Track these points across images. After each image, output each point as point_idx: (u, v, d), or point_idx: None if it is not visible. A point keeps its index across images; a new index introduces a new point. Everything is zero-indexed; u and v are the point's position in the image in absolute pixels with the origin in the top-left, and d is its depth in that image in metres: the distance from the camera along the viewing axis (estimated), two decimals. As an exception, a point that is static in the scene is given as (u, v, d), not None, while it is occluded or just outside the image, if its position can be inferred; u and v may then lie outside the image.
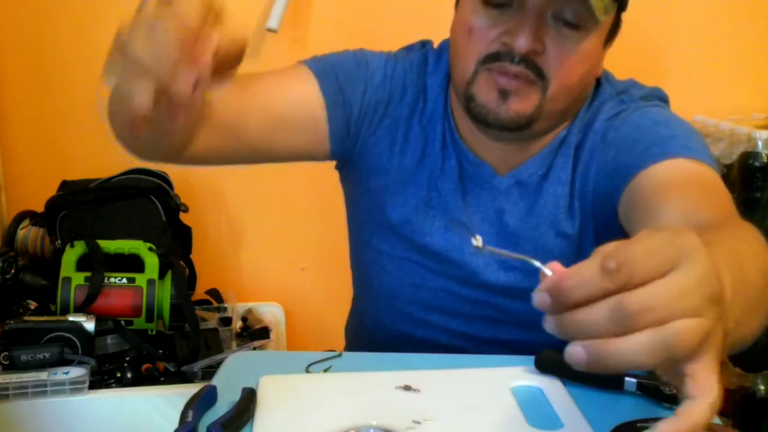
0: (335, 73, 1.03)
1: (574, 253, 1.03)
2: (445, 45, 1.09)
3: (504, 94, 0.94)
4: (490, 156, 1.03)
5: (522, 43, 0.90)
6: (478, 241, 0.60)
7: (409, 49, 1.11)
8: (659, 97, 1.05)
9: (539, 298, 0.50)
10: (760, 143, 1.64)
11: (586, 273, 0.48)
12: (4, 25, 1.73)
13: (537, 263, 0.53)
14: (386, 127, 1.05)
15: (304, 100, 1.02)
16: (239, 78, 0.82)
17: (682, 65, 1.89)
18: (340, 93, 1.03)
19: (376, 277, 1.10)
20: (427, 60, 1.08)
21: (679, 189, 0.87)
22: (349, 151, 1.07)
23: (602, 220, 1.00)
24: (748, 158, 1.66)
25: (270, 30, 1.71)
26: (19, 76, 1.77)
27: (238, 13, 2.02)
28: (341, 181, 1.17)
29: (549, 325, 0.50)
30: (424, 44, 1.12)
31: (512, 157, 1.03)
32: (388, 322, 1.11)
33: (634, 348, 0.46)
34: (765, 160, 1.64)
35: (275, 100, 1.00)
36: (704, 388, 0.49)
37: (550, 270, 0.51)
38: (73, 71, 1.77)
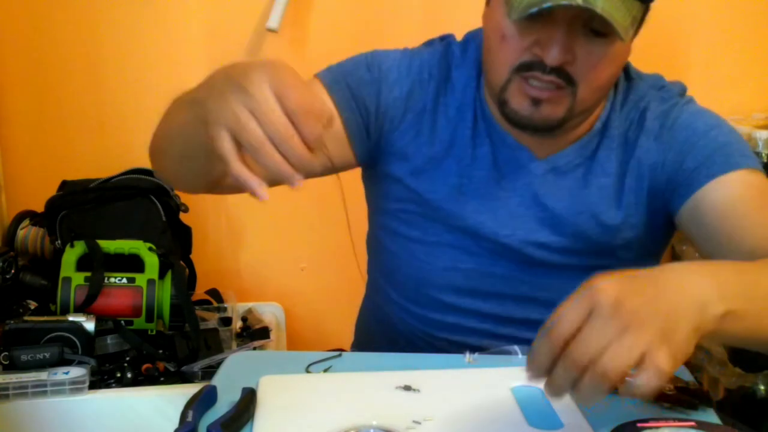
0: (346, 80, 1.05)
1: (611, 242, 1.06)
2: (471, 36, 1.10)
3: (536, 102, 0.97)
4: (527, 141, 1.05)
5: (553, 56, 0.93)
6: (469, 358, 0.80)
7: (429, 44, 1.13)
8: (686, 91, 1.10)
9: (529, 376, 0.68)
10: (760, 143, 1.65)
11: (540, 351, 0.67)
12: (4, 25, 1.73)
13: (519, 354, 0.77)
14: (409, 121, 1.07)
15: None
16: None
17: (682, 65, 1.89)
18: (353, 98, 1.05)
19: (404, 264, 1.11)
20: (449, 52, 1.10)
21: (758, 211, 0.96)
22: (374, 151, 1.08)
23: (652, 215, 1.05)
24: (748, 158, 1.66)
25: (270, 30, 1.71)
26: (19, 76, 1.77)
27: (238, 13, 2.04)
28: (364, 179, 1.18)
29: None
30: (444, 38, 1.13)
31: (548, 143, 1.05)
32: (416, 311, 1.11)
33: (584, 391, 0.64)
34: (765, 160, 1.64)
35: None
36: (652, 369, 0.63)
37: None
38: (73, 72, 1.78)
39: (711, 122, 1.04)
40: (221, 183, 0.93)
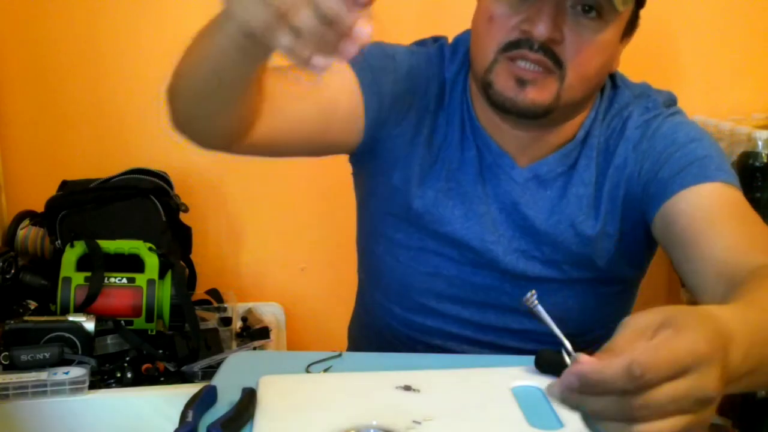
0: (368, 61, 1.03)
1: (590, 253, 1.05)
2: (460, 38, 1.10)
3: (521, 83, 0.95)
4: (510, 146, 1.04)
5: (541, 30, 0.92)
6: (530, 298, 0.64)
7: (421, 43, 1.12)
8: (674, 101, 1.08)
9: (566, 380, 0.53)
10: (760, 143, 1.65)
11: (612, 373, 0.52)
12: (4, 25, 1.73)
13: (569, 347, 0.60)
14: (411, 120, 1.06)
15: (345, 89, 1.01)
16: (282, 69, 0.85)
17: (682, 65, 1.89)
18: (374, 81, 1.02)
19: (389, 267, 1.11)
20: (442, 53, 1.09)
21: (724, 222, 0.93)
22: (375, 141, 1.06)
23: (628, 224, 1.04)
24: (748, 158, 1.66)
25: (270, 30, 1.71)
26: (19, 76, 1.77)
27: (238, 13, 1.96)
28: (355, 173, 1.17)
29: (555, 392, 0.55)
30: (437, 39, 1.12)
31: (531, 147, 1.04)
32: (399, 313, 1.11)
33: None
34: (765, 160, 1.64)
35: (322, 91, 1.00)
36: None
37: (578, 359, 0.54)
38: (72, 71, 1.77)
39: (692, 135, 1.02)
40: (244, 133, 0.90)
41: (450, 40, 1.12)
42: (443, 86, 1.07)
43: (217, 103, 0.84)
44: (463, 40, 1.09)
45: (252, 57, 0.74)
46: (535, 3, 0.93)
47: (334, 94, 1.01)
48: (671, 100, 1.08)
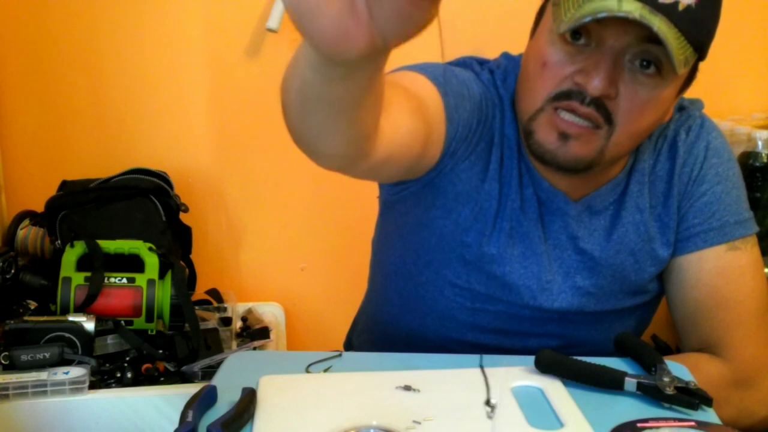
0: (450, 84, 0.95)
1: (645, 279, 1.05)
2: (508, 66, 1.04)
3: (564, 137, 0.91)
4: (561, 184, 1.01)
5: (596, 85, 0.88)
6: None
7: (466, 65, 1.05)
8: (701, 107, 1.09)
9: None
10: (760, 143, 1.65)
11: None
12: (4, 25, 1.73)
13: None
14: (479, 153, 0.99)
15: (437, 110, 0.93)
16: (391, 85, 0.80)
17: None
18: (454, 107, 0.95)
19: (432, 297, 1.06)
20: (495, 81, 1.03)
21: (711, 312, 1.01)
22: (438, 172, 0.99)
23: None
24: (748, 158, 1.66)
25: (270, 30, 1.71)
26: (19, 76, 1.77)
27: (238, 13, 2.05)
28: (394, 201, 1.07)
29: None
30: (483, 63, 1.06)
31: (581, 185, 1.01)
32: (432, 338, 1.08)
33: None
34: (765, 160, 1.65)
35: (428, 108, 0.92)
36: None
37: None
38: (72, 71, 1.77)
39: (720, 170, 1.04)
40: (362, 157, 0.77)
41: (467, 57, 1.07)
42: (503, 117, 1.01)
43: (314, 123, 0.72)
44: (512, 68, 1.03)
45: (322, 74, 0.63)
46: (592, 54, 0.88)
47: (432, 114, 0.93)
48: (701, 107, 1.08)
